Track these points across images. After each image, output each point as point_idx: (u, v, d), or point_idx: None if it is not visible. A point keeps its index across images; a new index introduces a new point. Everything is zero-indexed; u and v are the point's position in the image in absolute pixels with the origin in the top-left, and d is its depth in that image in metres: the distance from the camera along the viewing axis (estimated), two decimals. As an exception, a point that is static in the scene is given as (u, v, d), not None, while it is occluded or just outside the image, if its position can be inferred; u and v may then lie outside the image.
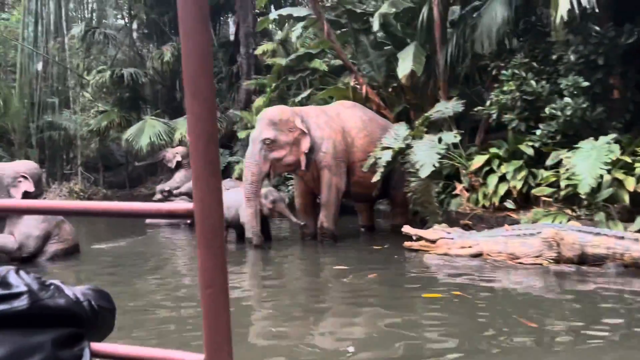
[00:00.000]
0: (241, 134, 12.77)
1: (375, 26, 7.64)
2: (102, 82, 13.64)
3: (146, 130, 13.37)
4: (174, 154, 12.69)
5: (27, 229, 6.55)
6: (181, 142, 13.34)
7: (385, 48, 9.30)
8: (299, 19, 9.28)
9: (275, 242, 7.66)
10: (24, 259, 6.59)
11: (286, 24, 11.87)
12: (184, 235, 9.41)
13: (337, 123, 7.18)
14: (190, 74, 0.69)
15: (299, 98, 9.71)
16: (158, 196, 12.86)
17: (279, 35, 12.78)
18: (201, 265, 0.72)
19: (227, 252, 7.03)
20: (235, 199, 7.39)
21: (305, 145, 6.79)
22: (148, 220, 10.82)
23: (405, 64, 7.19)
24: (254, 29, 13.81)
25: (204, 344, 0.72)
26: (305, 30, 8.92)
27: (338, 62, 11.08)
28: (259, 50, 12.36)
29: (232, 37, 16.76)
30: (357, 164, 7.22)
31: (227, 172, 12.97)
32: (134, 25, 16.69)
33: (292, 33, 8.66)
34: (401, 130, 6.61)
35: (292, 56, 9.89)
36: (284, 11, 9.38)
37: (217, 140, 0.71)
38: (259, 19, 12.58)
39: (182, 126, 13.53)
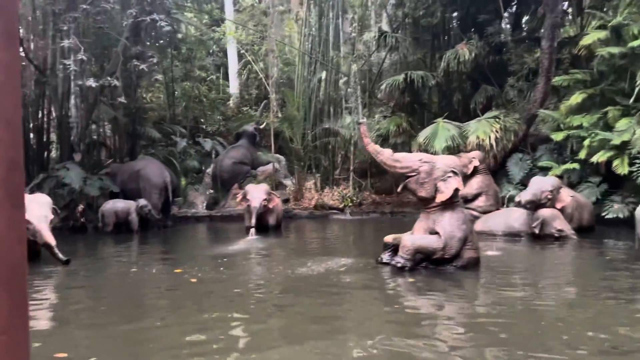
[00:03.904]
0: (557, 136, 11.38)
1: None
2: (395, 85, 13.52)
3: (440, 134, 12.84)
4: (469, 159, 11.83)
5: (452, 229, 6.10)
6: (477, 147, 12.50)
7: None
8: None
9: None
10: (439, 261, 6.16)
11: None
12: (529, 246, 8.38)
13: None
14: None
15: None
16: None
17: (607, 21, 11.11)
18: None
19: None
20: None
21: None
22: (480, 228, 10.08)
23: None
24: (562, 20, 12.39)
25: None
26: None
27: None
28: (587, 40, 10.87)
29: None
30: None
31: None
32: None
33: None
34: None
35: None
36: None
37: (22, 168, 0.65)
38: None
39: (476, 129, 12.69)
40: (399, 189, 6.66)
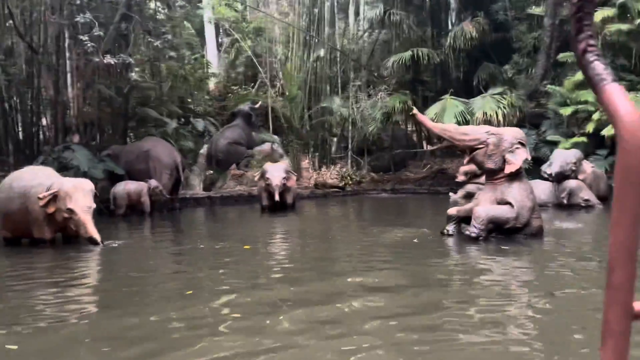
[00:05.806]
0: (565, 110, 11.82)
1: None
2: (401, 63, 13.58)
3: (449, 110, 13.03)
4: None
5: (522, 199, 6.25)
6: (484, 123, 12.81)
7: None
8: None
9: None
10: (510, 230, 6.32)
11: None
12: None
13: None
14: None
15: None
16: (462, 178, 12.43)
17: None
18: None
19: None
20: None
21: None
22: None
23: None
24: (564, -2, 12.75)
25: None
26: None
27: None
28: (597, 17, 11.26)
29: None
30: None
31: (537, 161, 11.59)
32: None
33: None
34: None
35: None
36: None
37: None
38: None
39: (482, 106, 12.96)
40: (465, 162, 6.76)
